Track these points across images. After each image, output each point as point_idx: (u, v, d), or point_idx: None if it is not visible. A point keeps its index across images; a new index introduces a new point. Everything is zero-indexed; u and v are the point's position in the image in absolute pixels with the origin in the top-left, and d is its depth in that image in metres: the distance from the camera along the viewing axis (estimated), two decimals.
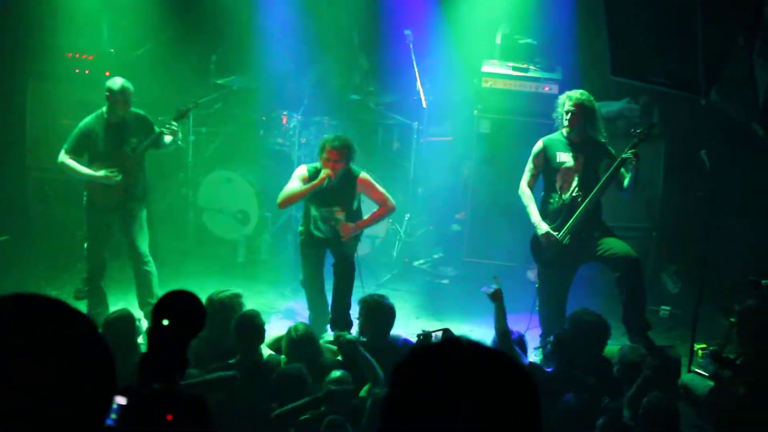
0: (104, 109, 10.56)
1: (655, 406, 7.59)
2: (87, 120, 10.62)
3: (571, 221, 9.91)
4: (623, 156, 9.76)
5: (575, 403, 7.87)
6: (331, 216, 10.17)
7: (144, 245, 10.76)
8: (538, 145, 10.20)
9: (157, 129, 10.64)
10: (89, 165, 10.59)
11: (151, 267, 10.79)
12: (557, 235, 9.95)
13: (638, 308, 9.95)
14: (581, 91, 10.09)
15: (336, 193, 10.14)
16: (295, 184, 10.14)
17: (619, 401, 8.29)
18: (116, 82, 10.49)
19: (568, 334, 8.90)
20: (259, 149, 13.18)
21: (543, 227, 10.00)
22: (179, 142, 11.12)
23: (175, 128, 10.64)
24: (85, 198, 10.73)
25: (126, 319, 8.64)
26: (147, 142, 10.56)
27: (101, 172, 10.48)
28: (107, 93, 10.49)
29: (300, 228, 10.46)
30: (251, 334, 8.53)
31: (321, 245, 10.45)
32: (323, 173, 9.98)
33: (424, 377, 2.20)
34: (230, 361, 8.38)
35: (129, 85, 10.50)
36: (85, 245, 10.84)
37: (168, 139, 10.65)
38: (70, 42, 12.82)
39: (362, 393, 8.26)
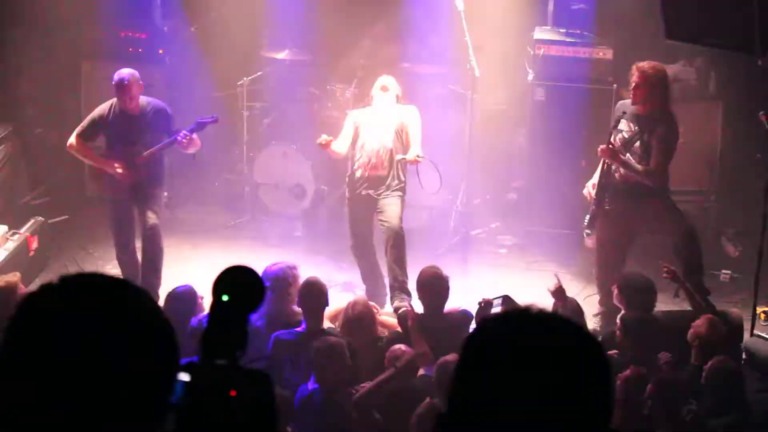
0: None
1: (718, 371, 7.53)
2: (101, 107, 10.44)
3: (598, 187, 9.89)
4: None
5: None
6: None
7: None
8: (616, 107, 10.13)
9: (171, 114, 10.37)
10: (107, 151, 10.49)
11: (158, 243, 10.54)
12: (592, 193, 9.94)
13: (696, 274, 9.86)
14: (652, 62, 9.84)
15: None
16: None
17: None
18: (115, 75, 10.24)
19: (634, 317, 8.76)
20: (313, 123, 13.17)
21: (590, 181, 10.02)
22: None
23: (194, 138, 10.25)
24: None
25: (187, 295, 8.68)
26: (163, 143, 10.24)
27: (114, 165, 10.28)
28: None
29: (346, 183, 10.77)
30: (315, 299, 8.55)
31: (367, 202, 10.58)
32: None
33: (497, 348, 2.18)
34: (297, 330, 8.42)
35: (126, 77, 10.16)
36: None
37: (189, 149, 10.34)
38: (122, 20, 12.87)
39: None
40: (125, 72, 10.23)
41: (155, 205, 10.45)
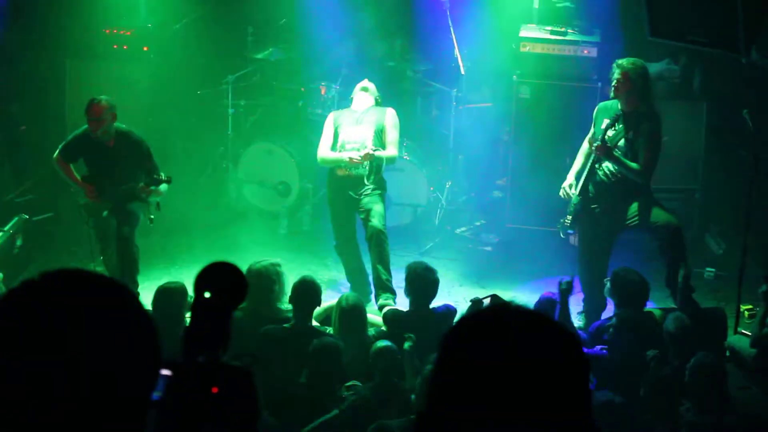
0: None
1: (702, 367, 7.55)
2: (79, 131, 10.35)
3: (581, 183, 9.89)
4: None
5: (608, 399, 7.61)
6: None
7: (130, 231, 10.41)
8: (596, 108, 10.11)
9: (147, 150, 10.26)
10: (86, 173, 10.47)
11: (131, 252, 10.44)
12: (573, 193, 9.91)
13: (680, 272, 9.87)
14: (632, 59, 9.85)
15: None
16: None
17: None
18: (89, 102, 10.10)
19: (629, 313, 8.78)
20: (298, 120, 13.18)
21: (566, 182, 10.02)
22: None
23: (152, 190, 10.20)
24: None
25: (177, 292, 8.62)
26: (127, 187, 10.20)
27: (89, 190, 10.30)
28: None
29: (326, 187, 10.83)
30: (309, 298, 8.58)
31: (348, 202, 10.57)
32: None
33: (474, 345, 2.19)
34: (285, 326, 8.44)
35: (97, 105, 10.05)
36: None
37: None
38: (107, 18, 12.85)
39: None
40: (93, 99, 10.10)
41: (131, 219, 10.35)
